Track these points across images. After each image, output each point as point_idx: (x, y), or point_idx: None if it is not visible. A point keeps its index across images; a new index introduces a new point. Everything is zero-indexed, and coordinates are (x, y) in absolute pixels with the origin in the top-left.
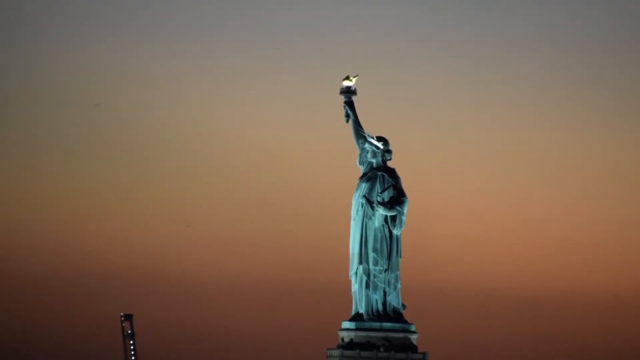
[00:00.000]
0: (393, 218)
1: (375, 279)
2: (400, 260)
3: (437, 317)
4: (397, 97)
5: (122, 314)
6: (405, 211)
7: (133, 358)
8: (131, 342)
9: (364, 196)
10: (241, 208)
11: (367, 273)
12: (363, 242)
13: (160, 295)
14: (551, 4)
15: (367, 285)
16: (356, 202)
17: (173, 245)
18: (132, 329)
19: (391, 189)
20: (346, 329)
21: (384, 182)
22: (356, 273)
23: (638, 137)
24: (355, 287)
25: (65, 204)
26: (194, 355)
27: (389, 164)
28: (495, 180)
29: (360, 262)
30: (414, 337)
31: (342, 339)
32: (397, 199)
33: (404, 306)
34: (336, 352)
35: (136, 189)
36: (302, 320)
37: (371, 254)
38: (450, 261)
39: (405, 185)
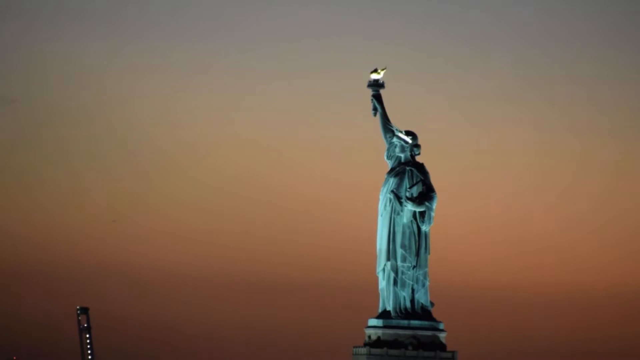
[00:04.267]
0: (422, 214)
1: (404, 276)
2: (428, 257)
3: (466, 315)
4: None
5: (78, 307)
6: (434, 207)
7: (89, 351)
8: (87, 335)
9: (392, 191)
10: (246, 203)
11: (395, 270)
12: (391, 238)
13: (132, 288)
14: None
15: (395, 282)
16: (384, 198)
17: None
18: (88, 322)
19: (420, 184)
20: (373, 326)
21: (412, 177)
22: (384, 270)
23: None
24: (382, 284)
25: (18, 198)
26: (159, 349)
27: (418, 158)
28: (529, 180)
29: (388, 259)
30: (442, 336)
31: (369, 337)
32: (426, 195)
33: (432, 304)
34: (363, 350)
35: (91, 187)
36: (328, 318)
37: (399, 251)
38: (477, 258)
39: (433, 181)
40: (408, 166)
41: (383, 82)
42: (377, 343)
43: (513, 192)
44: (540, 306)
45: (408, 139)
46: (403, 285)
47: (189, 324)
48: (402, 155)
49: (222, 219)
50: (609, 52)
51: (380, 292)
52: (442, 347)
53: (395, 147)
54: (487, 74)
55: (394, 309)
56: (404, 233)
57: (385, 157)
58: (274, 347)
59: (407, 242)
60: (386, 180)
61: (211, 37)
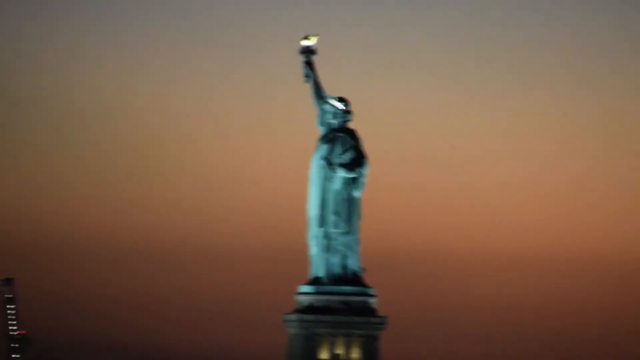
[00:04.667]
0: (353, 180)
1: (335, 242)
2: (360, 223)
3: (397, 281)
4: (360, 55)
5: (1, 278)
6: (365, 173)
7: (14, 322)
8: (12, 306)
9: (324, 158)
10: (179, 170)
11: (327, 236)
12: (322, 204)
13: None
14: None
15: (326, 249)
16: (316, 164)
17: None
18: (12, 293)
19: (352, 150)
20: (304, 293)
21: (344, 143)
22: (315, 236)
23: None
24: (313, 250)
25: None
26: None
27: (350, 125)
28: (461, 140)
29: (320, 225)
30: (373, 301)
31: (300, 303)
32: (357, 161)
33: (363, 269)
34: (294, 317)
35: (19, 155)
36: (258, 286)
37: (331, 217)
38: (409, 224)
39: (366, 146)
40: (340, 133)
41: (315, 48)
42: (308, 309)
43: (447, 158)
44: (472, 270)
45: (340, 106)
46: (334, 251)
47: (118, 293)
48: (334, 122)
49: (147, 186)
50: None
51: (311, 259)
52: (372, 312)
53: (327, 113)
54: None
55: (325, 275)
56: (335, 199)
57: (317, 124)
58: (203, 317)
59: (338, 209)
60: (318, 147)
61: None
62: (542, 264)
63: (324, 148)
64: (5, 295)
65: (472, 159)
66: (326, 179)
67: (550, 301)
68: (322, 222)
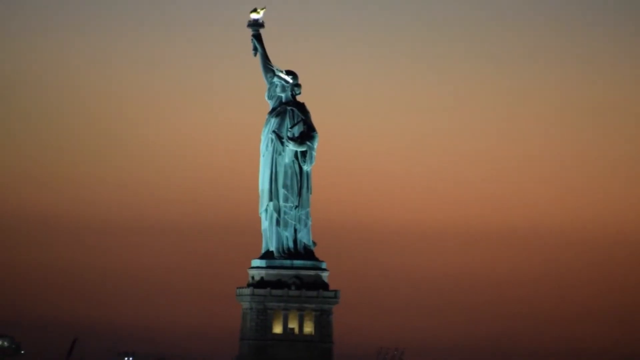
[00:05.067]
0: (303, 154)
1: (286, 216)
2: (310, 196)
3: (349, 254)
4: (308, 28)
5: None
6: (315, 146)
7: None
8: None
9: (274, 131)
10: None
11: (278, 210)
12: (273, 178)
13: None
14: None
15: (278, 223)
16: (265, 138)
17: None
18: None
19: (301, 123)
20: (256, 267)
21: (293, 116)
22: (266, 210)
23: None
24: (265, 224)
25: None
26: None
27: (299, 98)
28: (416, 113)
29: (271, 199)
30: (325, 275)
31: (253, 277)
32: (307, 134)
33: (314, 243)
34: (246, 291)
35: None
36: (211, 260)
37: (281, 191)
38: (360, 196)
39: (315, 121)
40: (289, 106)
41: (263, 21)
42: (261, 283)
43: (399, 133)
44: (428, 242)
45: (289, 79)
46: (285, 225)
47: (76, 268)
48: (283, 95)
49: (103, 163)
50: None
51: (263, 233)
52: (324, 286)
53: (276, 87)
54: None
55: (277, 249)
56: (285, 173)
57: (266, 97)
58: (157, 291)
59: (289, 182)
60: (267, 121)
61: None
62: (485, 236)
63: (274, 121)
64: None
65: (425, 135)
66: (276, 153)
67: (488, 273)
68: (273, 195)
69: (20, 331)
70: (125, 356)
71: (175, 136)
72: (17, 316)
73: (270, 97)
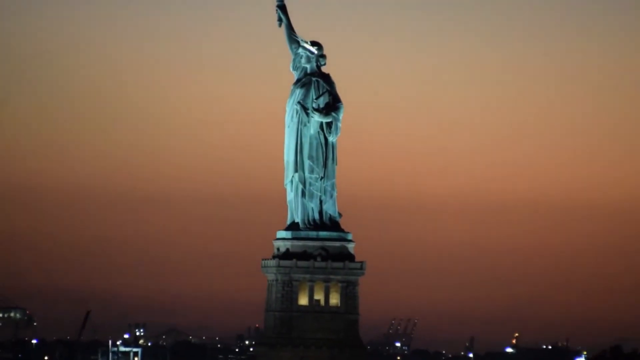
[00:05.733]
0: (328, 124)
1: (311, 187)
2: (336, 167)
3: (375, 225)
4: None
5: None
6: (340, 117)
7: None
8: None
9: (299, 102)
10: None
11: (303, 181)
12: (298, 149)
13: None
14: None
15: (303, 194)
16: (290, 109)
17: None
18: None
19: (326, 94)
20: (282, 238)
21: (318, 88)
22: (291, 181)
23: None
24: (290, 196)
25: None
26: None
27: (324, 69)
28: (444, 90)
29: (296, 170)
30: (351, 246)
31: (278, 249)
32: (332, 105)
33: (340, 214)
34: (272, 262)
35: None
36: (237, 232)
37: (307, 162)
38: (386, 170)
39: (340, 91)
40: (314, 77)
41: None
42: (286, 255)
43: (427, 107)
44: (450, 214)
45: (314, 50)
46: (311, 196)
47: (91, 241)
48: (308, 66)
49: (124, 135)
50: None
51: (288, 204)
52: (350, 257)
53: (301, 57)
54: None
55: (302, 220)
56: (311, 144)
57: (291, 68)
58: (182, 262)
59: (314, 154)
60: (292, 92)
61: None
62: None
63: (299, 92)
64: None
65: (447, 108)
66: (301, 124)
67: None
68: (298, 167)
69: (33, 303)
70: (137, 328)
71: (203, 106)
72: (30, 288)
73: (295, 68)
